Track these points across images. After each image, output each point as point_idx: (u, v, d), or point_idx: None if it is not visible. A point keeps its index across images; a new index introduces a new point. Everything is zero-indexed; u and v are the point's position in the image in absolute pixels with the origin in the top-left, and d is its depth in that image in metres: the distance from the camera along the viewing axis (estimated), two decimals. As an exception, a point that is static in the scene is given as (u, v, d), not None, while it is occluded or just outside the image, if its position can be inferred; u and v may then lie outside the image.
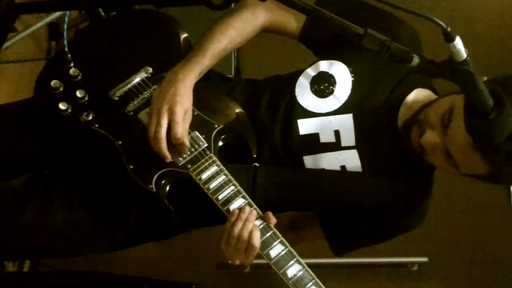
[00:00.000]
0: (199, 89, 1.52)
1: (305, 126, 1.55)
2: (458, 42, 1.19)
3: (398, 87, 1.58)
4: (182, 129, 1.43)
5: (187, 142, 1.45)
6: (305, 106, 1.56)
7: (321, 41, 1.64)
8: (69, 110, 1.53)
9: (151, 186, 1.45)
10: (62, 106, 1.52)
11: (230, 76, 1.91)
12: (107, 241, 1.63)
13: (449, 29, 1.16)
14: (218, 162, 1.46)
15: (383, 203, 1.56)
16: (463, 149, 1.43)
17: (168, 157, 1.44)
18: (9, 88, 2.91)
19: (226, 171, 1.46)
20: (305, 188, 1.55)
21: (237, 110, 1.55)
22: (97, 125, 1.52)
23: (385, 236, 1.68)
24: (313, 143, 1.55)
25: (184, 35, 1.62)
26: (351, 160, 1.53)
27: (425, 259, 3.22)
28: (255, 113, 1.59)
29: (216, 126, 1.51)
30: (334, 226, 1.66)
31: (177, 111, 1.42)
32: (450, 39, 1.18)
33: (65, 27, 1.59)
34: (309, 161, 1.55)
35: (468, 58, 1.21)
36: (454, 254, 3.27)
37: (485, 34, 3.39)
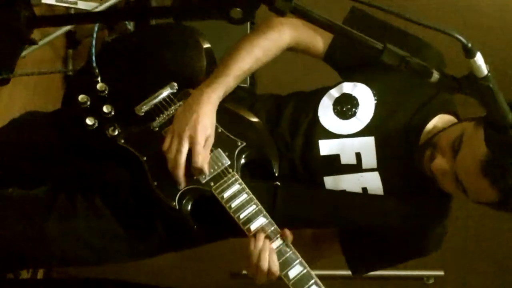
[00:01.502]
0: (223, 106, 1.52)
1: (326, 147, 1.54)
2: (479, 58, 1.18)
3: (421, 112, 1.58)
4: (202, 158, 1.44)
5: (206, 170, 1.46)
6: (326, 127, 1.56)
7: (345, 62, 1.64)
8: (96, 125, 1.54)
9: (174, 204, 1.46)
10: (89, 121, 1.54)
11: (253, 90, 1.90)
12: (128, 251, 1.63)
13: (470, 45, 1.15)
14: (240, 181, 1.47)
15: (404, 226, 1.55)
16: (472, 175, 1.42)
17: (183, 184, 1.45)
18: (24, 96, 2.92)
19: (247, 190, 1.46)
20: (326, 209, 1.55)
21: (261, 128, 1.55)
22: (122, 141, 1.52)
23: (403, 259, 1.68)
24: (334, 164, 1.54)
25: (206, 46, 1.62)
26: (372, 182, 1.53)
27: (441, 273, 3.19)
28: (276, 129, 1.58)
29: (239, 144, 1.51)
30: (353, 245, 1.66)
31: (199, 140, 1.43)
32: (471, 55, 1.16)
33: (93, 42, 1.58)
34: (330, 181, 1.54)
35: (489, 74, 1.20)
36: (471, 268, 3.24)
37: (499, 44, 3.36)
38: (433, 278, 3.18)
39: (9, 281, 2.75)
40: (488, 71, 1.20)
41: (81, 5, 2.88)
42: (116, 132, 1.53)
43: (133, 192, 1.56)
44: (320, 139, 1.55)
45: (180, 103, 1.53)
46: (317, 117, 1.58)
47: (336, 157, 1.54)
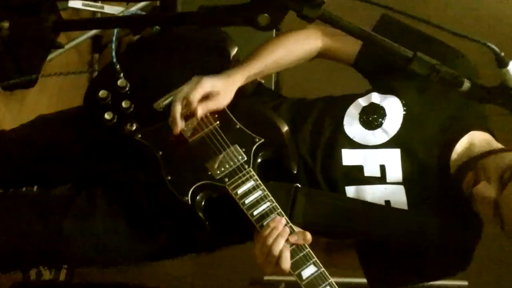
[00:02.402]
0: (244, 103, 1.52)
1: (349, 157, 1.50)
2: (511, 68, 1.16)
3: (452, 126, 1.52)
4: (177, 108, 1.44)
5: (178, 122, 1.45)
6: (351, 136, 1.52)
7: (375, 69, 1.60)
8: (114, 120, 1.55)
9: (187, 198, 1.44)
10: (107, 116, 1.54)
11: (280, 93, 1.87)
12: (143, 252, 1.61)
13: (502, 54, 1.13)
14: (255, 177, 1.44)
15: (428, 243, 1.49)
16: None
17: (178, 124, 1.45)
18: (49, 101, 2.94)
19: (263, 186, 1.43)
20: (347, 217, 1.49)
21: (281, 126, 1.52)
22: (140, 136, 1.52)
23: (427, 277, 1.62)
24: (357, 175, 1.50)
25: (234, 51, 1.61)
26: (397, 195, 1.48)
27: (465, 283, 3.14)
28: (298, 134, 1.55)
29: (257, 140, 1.48)
30: (373, 259, 1.59)
31: (204, 83, 1.44)
32: (503, 64, 1.14)
33: (114, 39, 1.59)
34: (352, 191, 1.50)
35: (521, 84, 1.18)
36: (495, 278, 3.19)
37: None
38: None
39: (31, 283, 2.77)
40: (521, 81, 1.18)
41: (107, 10, 2.90)
42: (134, 128, 1.53)
43: (146, 190, 1.56)
44: (344, 148, 1.51)
45: None
46: (342, 125, 1.54)
47: (360, 168, 1.50)
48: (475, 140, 1.51)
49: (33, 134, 1.69)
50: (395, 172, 1.48)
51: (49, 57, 2.58)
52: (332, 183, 1.51)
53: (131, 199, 1.57)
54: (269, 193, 1.41)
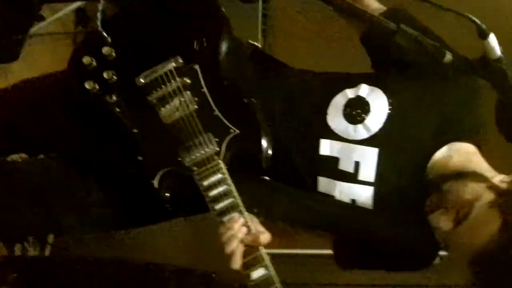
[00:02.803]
0: (229, 85, 1.49)
1: (327, 147, 1.48)
2: (492, 40, 1.17)
3: (438, 136, 1.48)
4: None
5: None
6: (332, 127, 1.49)
7: (375, 54, 1.60)
8: (95, 90, 1.51)
9: (154, 182, 1.44)
10: (87, 85, 1.51)
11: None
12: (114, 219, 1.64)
13: (483, 26, 1.14)
14: (223, 170, 1.42)
15: (386, 243, 1.48)
16: (460, 255, 1.35)
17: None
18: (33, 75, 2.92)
19: (229, 181, 1.41)
20: (313, 214, 1.50)
21: (260, 119, 1.48)
22: (118, 109, 1.50)
23: (389, 268, 1.59)
24: (331, 167, 1.48)
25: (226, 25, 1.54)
26: (363, 196, 1.45)
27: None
28: (282, 116, 1.54)
29: (232, 131, 1.45)
30: (342, 239, 1.58)
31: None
32: (484, 36, 1.16)
33: (100, 7, 1.56)
34: (324, 183, 1.48)
35: (502, 56, 1.19)
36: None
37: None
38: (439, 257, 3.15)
39: (16, 258, 2.78)
40: (502, 53, 1.19)
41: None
42: (114, 100, 1.50)
43: (118, 165, 1.56)
44: (323, 138, 1.50)
45: (179, 79, 1.48)
46: (326, 115, 1.51)
47: (335, 160, 1.47)
48: (455, 153, 1.47)
49: (16, 97, 1.67)
50: (368, 171, 1.45)
51: (32, 30, 2.55)
52: (306, 171, 1.50)
53: (105, 171, 1.58)
54: (233, 189, 1.41)
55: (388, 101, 1.49)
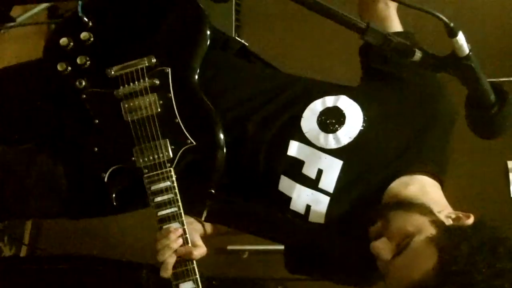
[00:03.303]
0: (193, 98, 1.49)
1: (294, 149, 1.49)
2: (461, 38, 1.18)
3: (400, 161, 1.49)
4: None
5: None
6: (304, 131, 1.50)
7: (367, 67, 1.62)
8: (66, 72, 1.52)
9: (104, 175, 1.46)
10: (60, 66, 1.52)
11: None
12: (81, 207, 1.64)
13: (452, 24, 1.16)
14: (173, 179, 1.44)
15: (329, 258, 1.50)
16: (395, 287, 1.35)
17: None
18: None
19: (176, 190, 1.43)
20: (256, 226, 1.53)
21: (219, 135, 1.47)
22: (84, 96, 1.50)
23: (332, 279, 1.60)
24: (295, 169, 1.48)
25: (207, 23, 1.53)
26: (319, 205, 1.45)
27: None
28: (259, 111, 1.54)
29: (189, 142, 1.46)
30: (292, 251, 1.60)
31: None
32: (452, 34, 1.17)
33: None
34: (285, 183, 1.48)
35: (470, 53, 1.21)
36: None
37: (491, 31, 3.35)
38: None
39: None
40: (470, 50, 1.20)
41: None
42: (82, 85, 1.51)
43: (74, 151, 1.55)
44: (293, 139, 1.50)
45: (148, 80, 1.48)
46: (300, 117, 1.52)
47: (300, 163, 1.48)
48: (412, 182, 1.47)
49: None
50: (329, 182, 1.46)
51: (2, 30, 2.53)
52: (270, 168, 1.50)
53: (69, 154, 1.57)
54: (179, 198, 1.43)
55: (363, 118, 1.50)
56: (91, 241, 3.14)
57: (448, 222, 1.37)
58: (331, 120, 1.50)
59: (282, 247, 1.62)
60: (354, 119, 1.50)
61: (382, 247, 1.36)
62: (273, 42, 3.14)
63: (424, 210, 1.38)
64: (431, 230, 1.33)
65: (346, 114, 1.50)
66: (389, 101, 1.55)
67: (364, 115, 1.50)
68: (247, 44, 1.72)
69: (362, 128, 1.49)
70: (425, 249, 1.31)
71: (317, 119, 1.50)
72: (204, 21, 1.52)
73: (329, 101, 1.53)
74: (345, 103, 1.52)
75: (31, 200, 1.57)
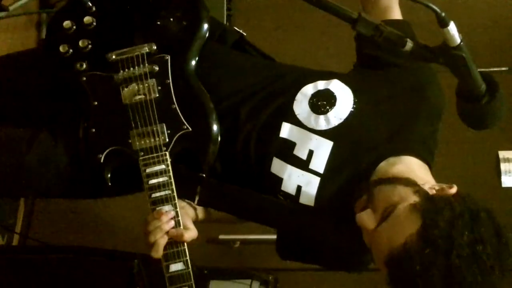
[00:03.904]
0: (191, 86, 1.52)
1: (287, 131, 1.52)
2: (452, 28, 1.19)
3: (390, 144, 1.51)
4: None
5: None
6: (296, 113, 1.52)
7: (361, 53, 1.65)
8: (68, 54, 1.55)
9: (100, 156, 1.49)
10: (62, 48, 1.55)
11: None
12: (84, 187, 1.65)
13: (443, 14, 1.16)
14: (168, 162, 1.47)
15: (320, 242, 1.52)
16: (379, 253, 1.37)
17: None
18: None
19: (170, 174, 1.46)
20: (247, 210, 1.55)
21: (213, 122, 1.51)
22: (84, 78, 1.53)
23: (324, 265, 1.64)
24: (287, 151, 1.50)
25: (206, 17, 1.57)
26: (310, 186, 1.48)
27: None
28: (254, 96, 1.57)
29: (185, 128, 1.49)
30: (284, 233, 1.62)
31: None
32: (444, 24, 1.17)
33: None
34: (277, 165, 1.50)
35: (462, 43, 1.21)
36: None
37: (482, 22, 3.35)
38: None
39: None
40: (461, 41, 1.21)
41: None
42: (83, 68, 1.53)
43: (71, 131, 1.57)
44: (285, 121, 1.52)
45: (148, 65, 1.51)
46: (293, 100, 1.54)
47: (292, 144, 1.50)
48: (399, 162, 1.49)
49: None
50: (319, 162, 1.48)
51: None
52: (263, 151, 1.53)
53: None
54: (172, 182, 1.46)
55: (354, 100, 1.53)
56: (83, 230, 3.14)
57: (432, 192, 1.39)
58: (322, 102, 1.53)
59: (273, 237, 1.63)
60: (345, 101, 1.53)
61: (367, 218, 1.39)
62: (265, 32, 3.14)
63: (408, 182, 1.41)
64: (414, 198, 1.36)
65: (337, 96, 1.53)
66: (380, 86, 1.57)
67: (354, 97, 1.53)
68: (245, 34, 1.74)
69: (352, 110, 1.52)
70: (409, 215, 1.33)
71: (309, 101, 1.53)
72: (203, 12, 1.57)
73: (321, 84, 1.56)
74: (336, 86, 1.55)
75: (30, 176, 1.58)
